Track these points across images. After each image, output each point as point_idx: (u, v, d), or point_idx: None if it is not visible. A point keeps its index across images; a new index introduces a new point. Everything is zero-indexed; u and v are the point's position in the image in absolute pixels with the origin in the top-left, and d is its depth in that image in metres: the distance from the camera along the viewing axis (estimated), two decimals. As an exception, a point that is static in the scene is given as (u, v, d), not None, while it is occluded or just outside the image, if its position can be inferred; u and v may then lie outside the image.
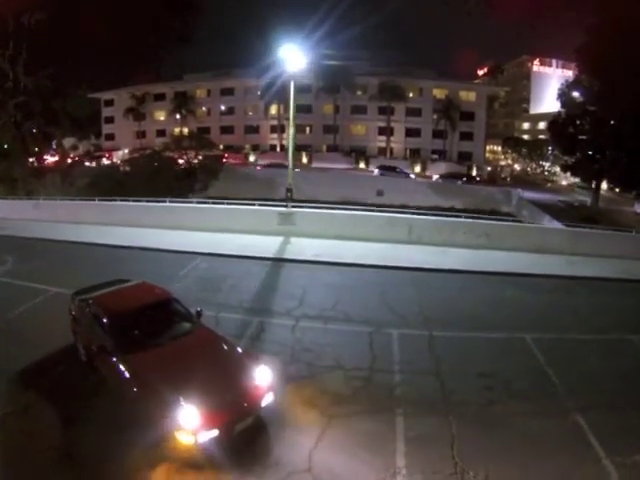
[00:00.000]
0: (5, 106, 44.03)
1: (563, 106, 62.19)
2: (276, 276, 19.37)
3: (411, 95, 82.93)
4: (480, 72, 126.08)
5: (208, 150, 63.44)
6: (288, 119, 28.73)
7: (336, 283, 18.40)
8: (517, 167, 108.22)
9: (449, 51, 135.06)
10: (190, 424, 8.19)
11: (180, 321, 11.16)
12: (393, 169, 70.94)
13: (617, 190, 71.90)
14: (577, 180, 77.26)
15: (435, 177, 71.08)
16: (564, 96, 62.19)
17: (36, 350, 12.03)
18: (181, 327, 10.98)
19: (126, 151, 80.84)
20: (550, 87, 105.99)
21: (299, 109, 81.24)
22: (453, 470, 8.37)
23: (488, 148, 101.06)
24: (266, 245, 23.04)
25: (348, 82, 78.10)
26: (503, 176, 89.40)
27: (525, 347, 13.42)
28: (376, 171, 71.47)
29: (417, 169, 78.44)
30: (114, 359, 9.62)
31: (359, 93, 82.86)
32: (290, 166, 26.15)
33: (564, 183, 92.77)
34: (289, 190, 25.54)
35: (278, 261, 21.22)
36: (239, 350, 10.41)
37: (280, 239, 24.25)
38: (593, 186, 61.75)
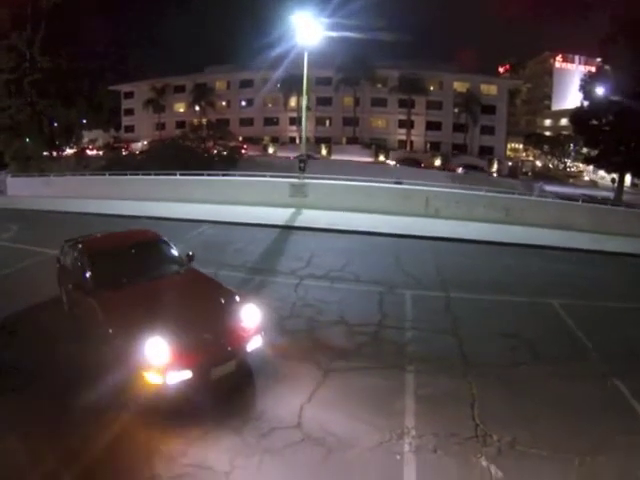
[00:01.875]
0: (21, 85, 43.09)
1: (586, 98, 59.85)
2: (283, 242, 17.93)
3: (432, 88, 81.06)
4: (501, 69, 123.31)
5: (227, 140, 62.56)
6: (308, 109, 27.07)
7: (347, 248, 16.90)
8: (539, 164, 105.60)
9: (470, 47, 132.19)
10: (158, 361, 6.85)
11: (167, 263, 9.99)
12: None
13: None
14: (600, 176, 74.99)
15: (459, 169, 70.12)
16: (587, 87, 59.86)
17: (23, 302, 11.31)
18: (167, 268, 9.80)
19: (145, 142, 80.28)
20: (572, 83, 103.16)
21: (319, 102, 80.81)
22: (473, 433, 6.76)
23: (510, 146, 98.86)
24: (276, 215, 21.62)
25: (368, 74, 76.81)
26: (524, 170, 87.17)
27: (553, 312, 11.76)
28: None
29: (437, 162, 76.74)
30: (90, 298, 8.54)
31: (379, 86, 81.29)
32: (304, 135, 24.76)
33: (586, 179, 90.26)
34: (302, 161, 24.02)
35: (287, 228, 19.81)
36: (228, 290, 8.93)
37: (291, 210, 22.76)
38: (616, 179, 59.44)
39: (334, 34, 24.22)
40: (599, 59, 61.19)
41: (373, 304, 11.62)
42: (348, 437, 6.58)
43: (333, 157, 76.69)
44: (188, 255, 10.14)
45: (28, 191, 31.99)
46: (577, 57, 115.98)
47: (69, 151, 71.97)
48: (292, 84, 68.04)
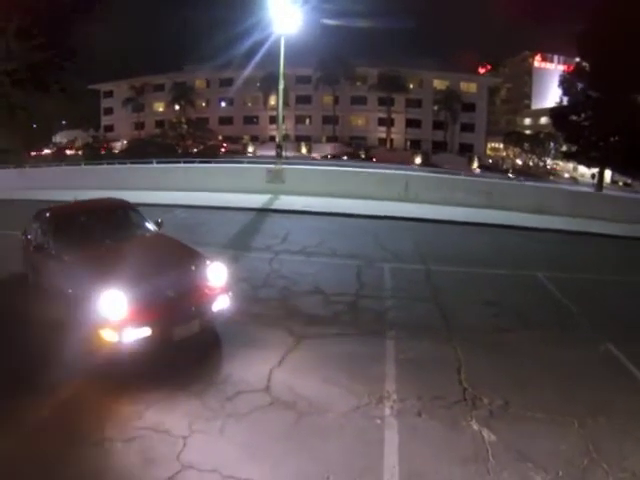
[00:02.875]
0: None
1: (565, 94, 59.74)
2: (259, 223, 17.14)
3: (411, 86, 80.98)
4: (482, 70, 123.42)
5: (207, 138, 61.93)
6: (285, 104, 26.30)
7: (324, 228, 16.21)
8: (519, 162, 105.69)
9: (450, 46, 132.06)
10: (114, 316, 6.18)
11: (134, 227, 9.33)
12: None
13: (628, 183, 69.40)
14: (580, 173, 75.19)
15: (477, 170, 71.36)
16: (566, 83, 59.75)
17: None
18: (133, 232, 9.15)
19: (125, 142, 79.23)
20: (552, 83, 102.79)
21: (299, 100, 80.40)
22: (461, 397, 6.07)
23: (490, 145, 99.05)
24: (252, 200, 20.77)
25: (348, 72, 76.54)
26: (505, 168, 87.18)
27: (538, 282, 11.24)
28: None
29: (418, 160, 76.30)
30: (52, 261, 7.99)
31: (359, 84, 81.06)
32: (279, 121, 23.97)
33: (566, 176, 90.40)
34: (279, 146, 23.30)
35: (263, 211, 19.01)
36: (194, 251, 8.17)
37: (268, 196, 21.97)
38: (596, 175, 59.37)
39: (311, 20, 23.49)
40: (577, 58, 61.21)
41: (351, 276, 10.91)
42: (321, 402, 5.85)
43: (313, 155, 76.06)
44: (157, 222, 9.45)
45: (2, 182, 30.90)
46: (556, 57, 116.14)
47: (47, 151, 70.91)
48: (272, 83, 67.20)
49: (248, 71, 69.03)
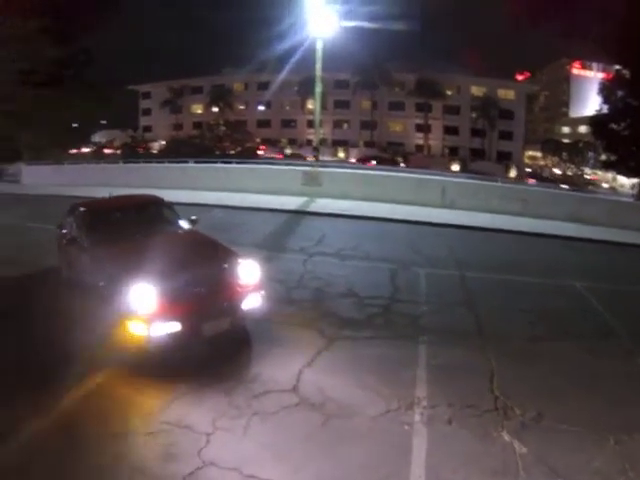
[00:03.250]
0: (35, 75, 42.96)
1: (605, 102, 58.54)
2: (294, 225, 17.14)
3: (449, 92, 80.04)
4: (520, 77, 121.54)
5: (245, 140, 62.02)
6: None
7: (359, 231, 16.09)
8: (557, 171, 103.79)
9: (486, 52, 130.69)
10: (143, 309, 6.23)
11: (167, 223, 9.42)
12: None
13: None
14: (620, 183, 73.48)
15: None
16: (605, 91, 58.54)
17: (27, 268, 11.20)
18: (167, 228, 9.25)
19: (163, 143, 79.99)
20: (590, 91, 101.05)
21: (337, 104, 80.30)
22: (493, 406, 5.93)
23: (528, 154, 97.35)
24: (288, 202, 20.75)
25: (385, 78, 76.05)
26: (544, 176, 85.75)
27: (576, 292, 10.88)
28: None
29: (455, 167, 75.39)
30: (84, 253, 8.17)
31: (397, 89, 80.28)
32: (317, 122, 23.86)
33: (605, 186, 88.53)
34: (315, 149, 23.24)
35: (299, 213, 18.96)
36: (227, 248, 8.18)
37: (304, 199, 21.90)
38: (636, 185, 57.99)
39: (349, 24, 23.31)
40: (617, 66, 59.87)
41: (385, 279, 10.80)
42: (350, 404, 5.79)
43: (351, 160, 75.68)
44: (191, 219, 9.48)
45: (42, 179, 31.48)
46: (595, 64, 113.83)
47: (86, 150, 72.05)
48: (310, 87, 67.14)
49: (286, 75, 69.26)
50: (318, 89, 23.30)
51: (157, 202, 9.96)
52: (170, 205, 9.93)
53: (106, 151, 77.33)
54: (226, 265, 7.39)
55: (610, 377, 6.92)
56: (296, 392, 5.99)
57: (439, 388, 6.24)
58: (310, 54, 24.84)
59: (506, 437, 5.31)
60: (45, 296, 9.33)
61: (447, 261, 12.92)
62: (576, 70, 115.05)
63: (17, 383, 6.13)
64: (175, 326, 6.32)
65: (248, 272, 7.32)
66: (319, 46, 22.52)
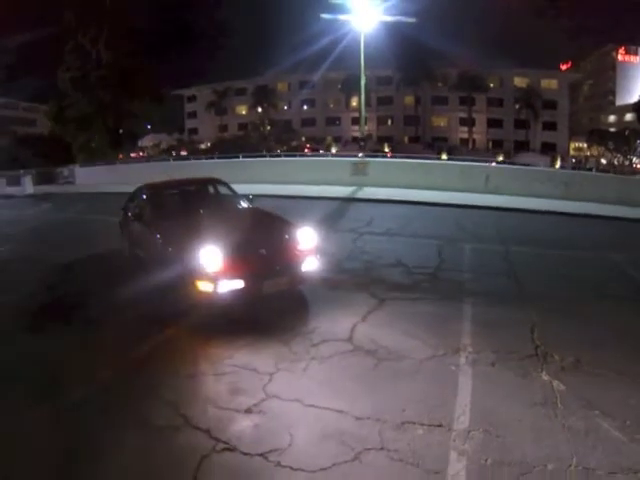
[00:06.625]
0: (87, 81, 44.61)
1: (652, 87, 56.99)
2: (344, 210, 17.66)
3: (492, 85, 78.90)
4: (563, 67, 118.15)
5: (290, 139, 62.34)
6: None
7: (407, 214, 16.51)
8: (603, 161, 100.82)
9: (529, 41, 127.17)
10: (211, 268, 6.80)
11: (228, 201, 10.23)
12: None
13: None
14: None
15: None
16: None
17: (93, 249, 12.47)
18: (227, 203, 10.10)
19: (209, 144, 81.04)
20: (638, 77, 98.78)
21: (380, 101, 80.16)
22: (534, 352, 6.23)
23: (573, 145, 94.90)
24: (337, 191, 21.30)
25: (427, 73, 75.47)
26: (588, 167, 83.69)
27: (617, 264, 10.95)
28: None
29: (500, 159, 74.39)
30: (149, 227, 8.77)
31: (439, 84, 79.56)
32: (362, 114, 24.24)
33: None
34: (362, 139, 23.67)
35: (347, 200, 19.46)
36: (286, 219, 8.81)
37: (352, 188, 22.37)
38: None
39: (389, 18, 23.62)
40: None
41: (432, 253, 11.17)
42: (400, 350, 6.19)
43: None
44: (248, 197, 10.08)
45: (94, 179, 33.29)
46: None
47: (133, 155, 73.72)
48: (353, 84, 67.43)
49: (328, 72, 69.60)
50: (362, 82, 23.71)
51: (217, 181, 10.70)
52: (229, 184, 10.61)
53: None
54: (284, 230, 8.00)
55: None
56: (350, 341, 6.43)
57: (483, 338, 6.57)
58: (353, 53, 25.32)
59: (545, 377, 5.60)
60: (114, 269, 10.40)
61: (491, 237, 13.18)
62: (621, 56, 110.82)
63: (99, 337, 6.95)
64: (238, 283, 6.87)
65: (305, 237, 7.85)
66: (362, 39, 22.95)
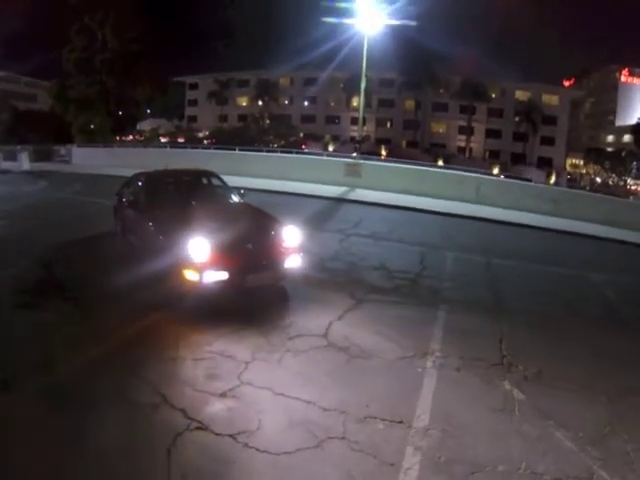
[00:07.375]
0: (92, 63, 44.84)
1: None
2: (334, 210, 17.95)
3: (493, 96, 79.22)
4: (566, 83, 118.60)
5: (288, 134, 62.37)
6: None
7: (395, 218, 16.87)
8: (598, 180, 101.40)
9: (533, 56, 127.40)
10: (198, 258, 7.14)
11: (219, 194, 10.56)
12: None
13: None
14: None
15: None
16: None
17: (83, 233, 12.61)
18: (218, 197, 10.42)
19: (206, 133, 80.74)
20: (639, 99, 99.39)
21: (381, 103, 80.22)
22: (499, 361, 6.56)
23: (570, 162, 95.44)
24: (329, 190, 21.56)
25: (430, 78, 75.63)
26: (582, 184, 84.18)
27: (592, 283, 11.36)
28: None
29: (495, 171, 74.76)
30: (142, 215, 9.10)
31: (441, 91, 79.76)
32: (360, 115, 24.54)
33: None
34: (358, 141, 23.95)
35: (338, 201, 19.73)
36: (273, 216, 9.21)
37: (344, 188, 22.65)
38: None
39: (395, 22, 23.86)
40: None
41: (415, 259, 11.51)
42: (371, 349, 6.54)
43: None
44: (240, 192, 10.45)
45: (90, 160, 33.38)
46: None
47: (130, 137, 73.54)
48: (355, 84, 67.39)
49: (332, 71, 69.57)
50: (363, 85, 23.97)
51: (211, 174, 11.08)
52: (221, 178, 10.96)
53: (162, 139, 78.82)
54: (270, 226, 8.38)
55: (613, 350, 7.39)
56: (325, 337, 6.78)
57: (452, 344, 6.90)
58: (357, 52, 25.55)
59: (507, 386, 5.93)
60: (108, 252, 10.75)
61: (475, 248, 13.51)
62: (624, 77, 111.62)
63: (86, 317, 7.26)
64: (223, 275, 7.24)
65: (290, 236, 8.21)
66: (365, 42, 23.20)
